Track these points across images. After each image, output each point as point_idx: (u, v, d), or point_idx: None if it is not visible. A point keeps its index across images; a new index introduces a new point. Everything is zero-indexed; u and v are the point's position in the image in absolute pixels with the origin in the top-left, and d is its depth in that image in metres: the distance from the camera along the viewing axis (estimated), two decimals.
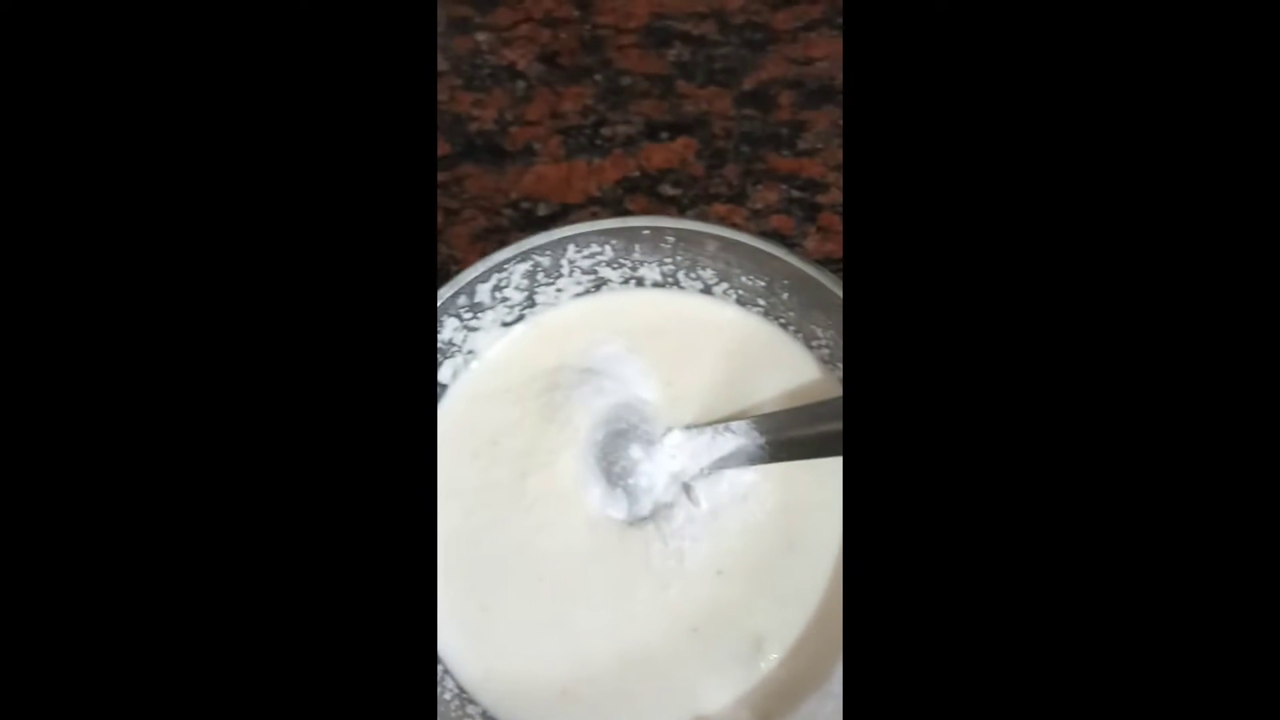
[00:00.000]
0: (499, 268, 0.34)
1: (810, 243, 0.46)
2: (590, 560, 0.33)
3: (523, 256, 0.34)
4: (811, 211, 0.46)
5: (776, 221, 0.46)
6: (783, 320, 0.36)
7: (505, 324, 0.37)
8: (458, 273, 0.34)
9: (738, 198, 0.47)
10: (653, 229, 0.34)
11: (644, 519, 0.33)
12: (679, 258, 0.36)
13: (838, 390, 0.35)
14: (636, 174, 0.48)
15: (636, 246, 0.35)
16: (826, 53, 0.52)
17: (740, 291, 0.36)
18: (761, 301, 0.36)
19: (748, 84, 0.51)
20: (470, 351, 0.36)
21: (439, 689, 0.30)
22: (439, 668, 0.31)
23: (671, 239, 0.35)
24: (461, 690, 0.31)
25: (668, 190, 0.47)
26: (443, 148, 0.49)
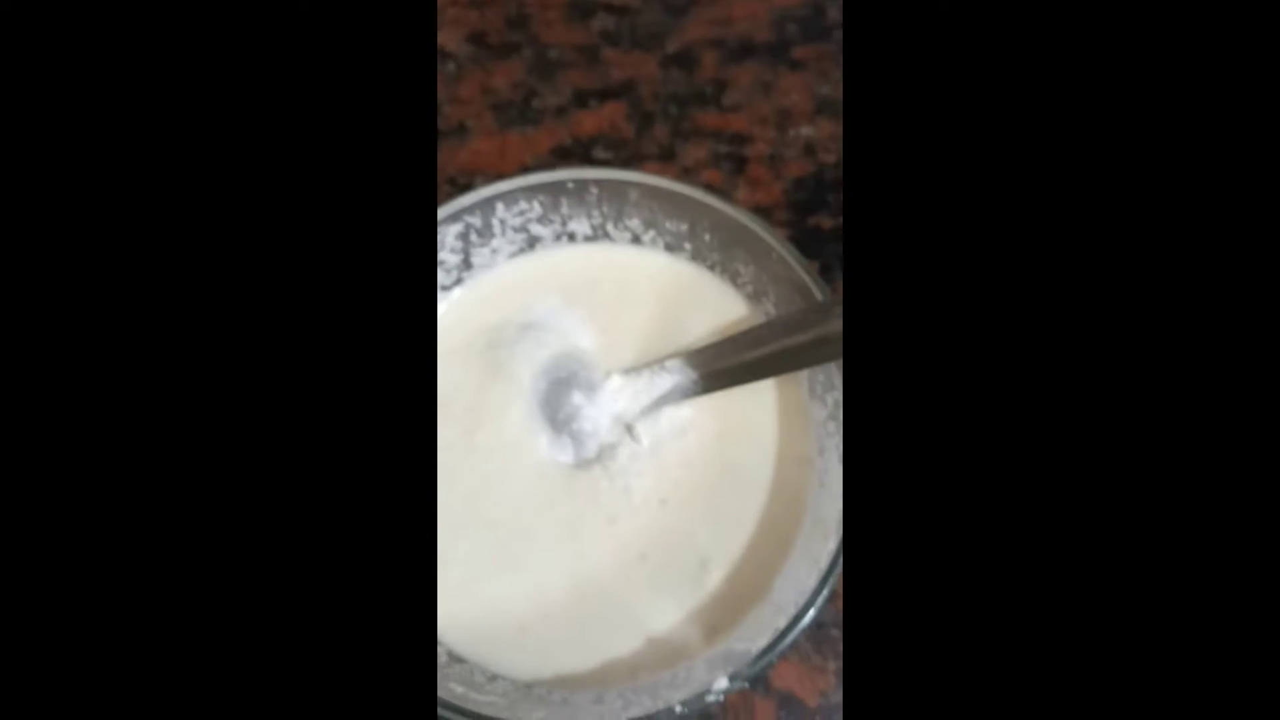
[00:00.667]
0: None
1: (740, 194, 0.47)
2: (540, 504, 0.34)
3: (453, 218, 0.36)
4: (740, 164, 0.48)
5: (707, 176, 0.48)
6: (709, 262, 0.38)
7: (444, 287, 0.38)
8: None
9: (667, 156, 0.48)
10: (576, 181, 0.36)
11: (590, 461, 0.35)
12: (605, 209, 0.37)
13: (760, 319, 0.37)
14: (569, 141, 0.49)
15: (564, 200, 0.37)
16: (746, 12, 0.53)
17: (667, 238, 0.38)
18: (688, 245, 0.38)
19: (671, 47, 0.52)
20: None
21: None
22: None
23: (596, 190, 0.36)
24: None
25: (600, 154, 0.49)
26: None
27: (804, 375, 0.35)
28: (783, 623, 0.28)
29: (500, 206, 0.36)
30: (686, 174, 0.48)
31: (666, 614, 0.32)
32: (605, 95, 0.50)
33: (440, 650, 0.32)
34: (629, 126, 0.49)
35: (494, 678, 0.31)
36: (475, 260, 0.38)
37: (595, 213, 0.38)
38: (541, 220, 0.38)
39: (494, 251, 0.38)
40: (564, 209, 0.37)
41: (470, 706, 0.28)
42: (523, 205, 0.37)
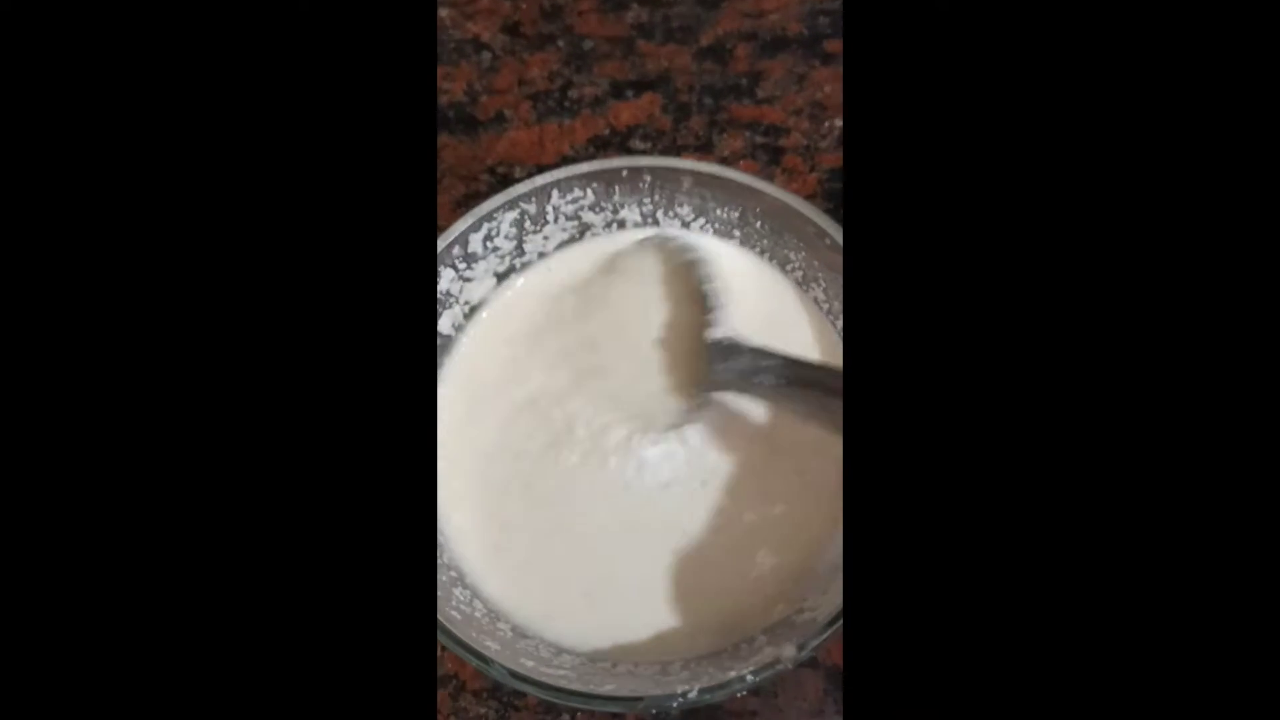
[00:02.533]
0: (489, 217, 0.36)
1: (777, 184, 0.48)
2: (604, 487, 0.35)
3: (510, 205, 0.36)
4: (775, 155, 0.49)
5: (744, 166, 0.49)
6: (758, 249, 0.39)
7: (498, 274, 0.39)
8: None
9: (705, 147, 0.49)
10: (630, 168, 0.37)
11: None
12: (657, 196, 0.38)
13: (810, 306, 0.37)
14: (606, 132, 0.50)
15: (616, 188, 0.38)
16: (777, 5, 0.54)
17: (716, 224, 0.39)
18: (737, 232, 0.39)
19: (705, 40, 0.53)
20: (467, 302, 0.38)
21: (470, 609, 0.32)
22: (466, 589, 0.33)
23: (649, 177, 0.37)
24: (490, 609, 0.33)
25: (638, 145, 0.49)
26: None
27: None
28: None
29: (555, 194, 0.37)
30: (724, 164, 0.48)
31: (724, 586, 0.33)
32: (641, 87, 0.51)
33: (505, 625, 0.33)
34: (665, 118, 0.50)
35: (559, 652, 0.32)
36: (528, 246, 0.39)
37: (647, 200, 0.38)
38: (594, 207, 0.38)
39: (545, 239, 0.39)
40: (616, 196, 0.38)
41: (542, 679, 0.29)
42: (577, 192, 0.37)
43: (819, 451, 0.35)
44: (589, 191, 0.37)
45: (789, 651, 0.29)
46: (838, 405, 0.30)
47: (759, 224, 0.37)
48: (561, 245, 0.40)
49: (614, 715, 0.36)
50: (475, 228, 0.36)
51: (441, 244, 0.35)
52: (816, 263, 0.36)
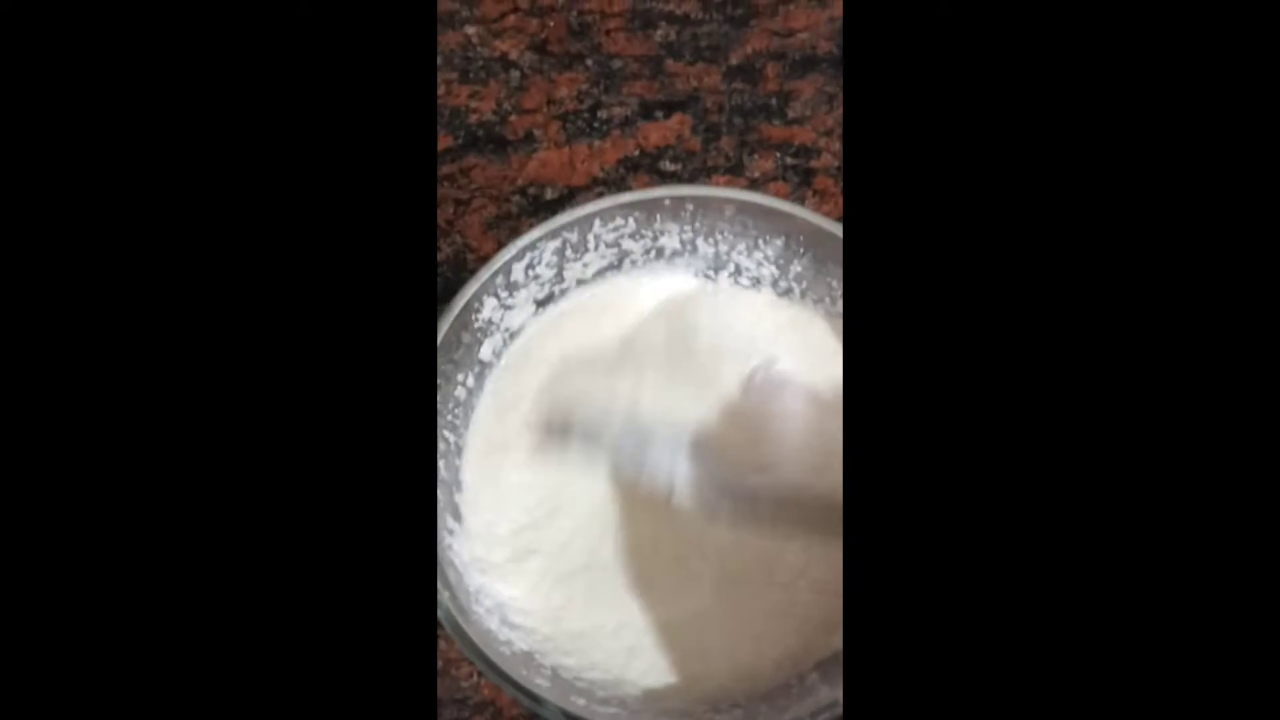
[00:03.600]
0: (532, 246, 0.36)
1: (808, 205, 0.48)
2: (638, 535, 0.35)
3: (552, 235, 0.36)
4: (806, 176, 0.49)
5: (774, 189, 0.48)
6: (802, 286, 0.39)
7: (537, 301, 0.38)
8: (474, 261, 0.36)
9: (735, 168, 0.49)
10: (673, 198, 0.36)
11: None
12: (697, 224, 0.38)
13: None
14: (636, 153, 0.50)
15: (658, 216, 0.37)
16: (806, 24, 0.54)
17: (758, 254, 0.39)
18: (780, 262, 0.38)
19: (734, 58, 0.53)
20: (507, 329, 0.38)
21: (512, 645, 0.32)
22: (508, 626, 0.33)
23: (690, 206, 0.37)
24: (531, 648, 0.33)
25: (667, 166, 0.49)
26: (446, 140, 0.50)
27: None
28: None
29: (597, 222, 0.37)
30: (754, 185, 0.48)
31: (769, 622, 0.33)
32: (670, 107, 0.51)
33: (548, 663, 0.33)
34: (695, 139, 0.50)
35: (610, 689, 0.32)
36: (567, 273, 0.39)
37: (687, 228, 0.38)
38: (634, 235, 0.38)
39: (585, 265, 0.39)
40: (657, 224, 0.38)
41: (595, 718, 0.29)
42: (619, 221, 0.37)
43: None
44: (630, 220, 0.37)
45: (839, 692, 0.29)
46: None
47: (800, 250, 0.37)
48: (601, 272, 0.39)
49: None
50: (519, 257, 0.36)
51: (485, 273, 0.35)
52: None
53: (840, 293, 0.37)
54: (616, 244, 0.38)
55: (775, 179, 0.49)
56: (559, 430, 0.35)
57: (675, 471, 0.34)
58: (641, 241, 0.39)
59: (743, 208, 0.36)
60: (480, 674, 0.38)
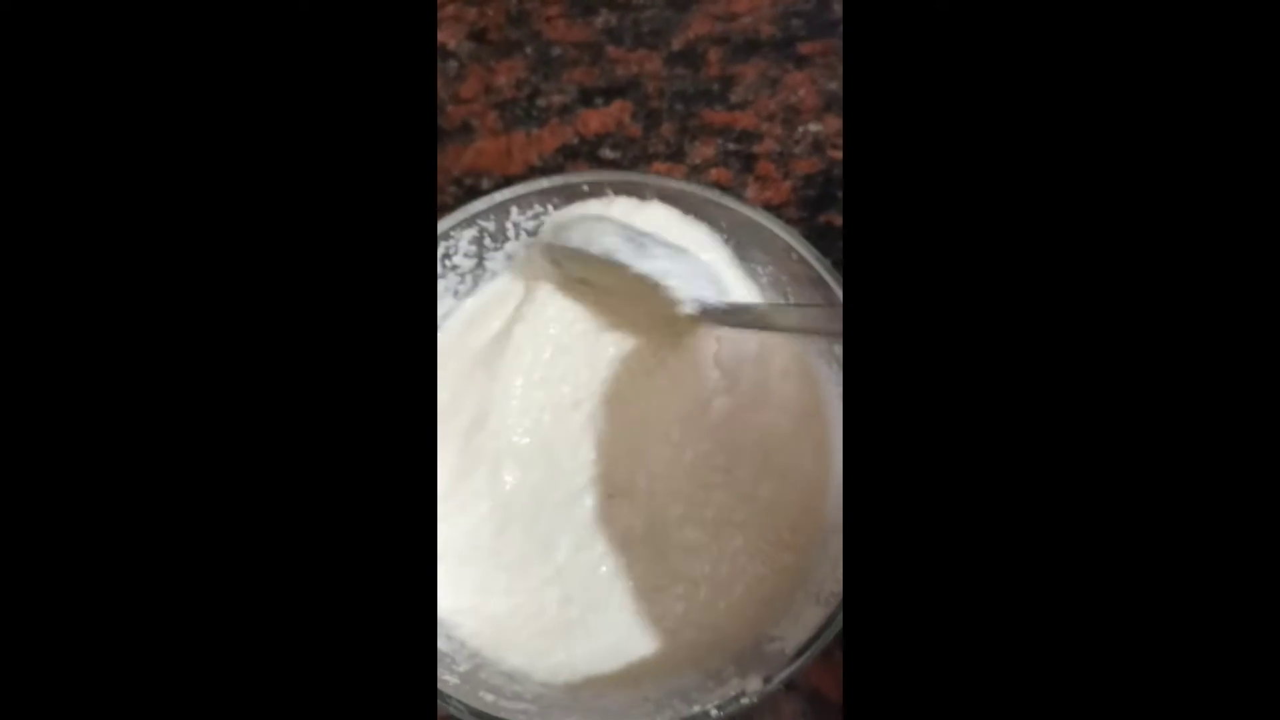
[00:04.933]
0: (445, 235, 0.35)
1: (750, 192, 0.47)
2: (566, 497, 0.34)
3: (468, 223, 0.35)
4: (749, 162, 0.48)
5: (716, 174, 0.48)
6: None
7: (456, 294, 0.38)
8: None
9: (676, 155, 0.48)
10: (591, 183, 0.36)
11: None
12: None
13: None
14: (575, 140, 0.49)
15: (578, 203, 0.37)
16: (749, 7, 0.53)
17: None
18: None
19: (676, 44, 0.52)
20: None
21: None
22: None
23: (611, 192, 0.36)
24: (449, 634, 0.32)
25: (607, 154, 0.48)
26: None
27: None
28: (818, 620, 0.28)
29: (514, 210, 0.36)
30: (695, 172, 0.48)
31: (692, 610, 0.32)
32: (610, 93, 0.50)
33: (464, 655, 0.32)
34: (635, 125, 0.49)
35: (516, 683, 0.31)
36: (488, 264, 0.38)
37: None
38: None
39: (508, 256, 0.38)
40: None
41: (501, 715, 0.28)
42: (537, 209, 0.36)
43: (782, 474, 0.34)
44: (549, 207, 0.36)
45: (754, 685, 0.28)
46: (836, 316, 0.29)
47: (724, 237, 0.36)
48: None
49: None
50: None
51: None
52: (784, 275, 0.35)
53: (767, 275, 0.36)
54: (538, 232, 0.38)
55: (717, 165, 0.48)
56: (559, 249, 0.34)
57: (670, 270, 0.33)
58: None
59: (663, 193, 0.36)
60: None
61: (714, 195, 0.35)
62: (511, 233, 0.37)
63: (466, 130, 0.49)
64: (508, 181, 0.48)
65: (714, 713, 0.27)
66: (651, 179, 0.36)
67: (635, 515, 0.33)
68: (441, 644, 0.31)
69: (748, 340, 0.34)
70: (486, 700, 0.29)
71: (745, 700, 0.28)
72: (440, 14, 0.54)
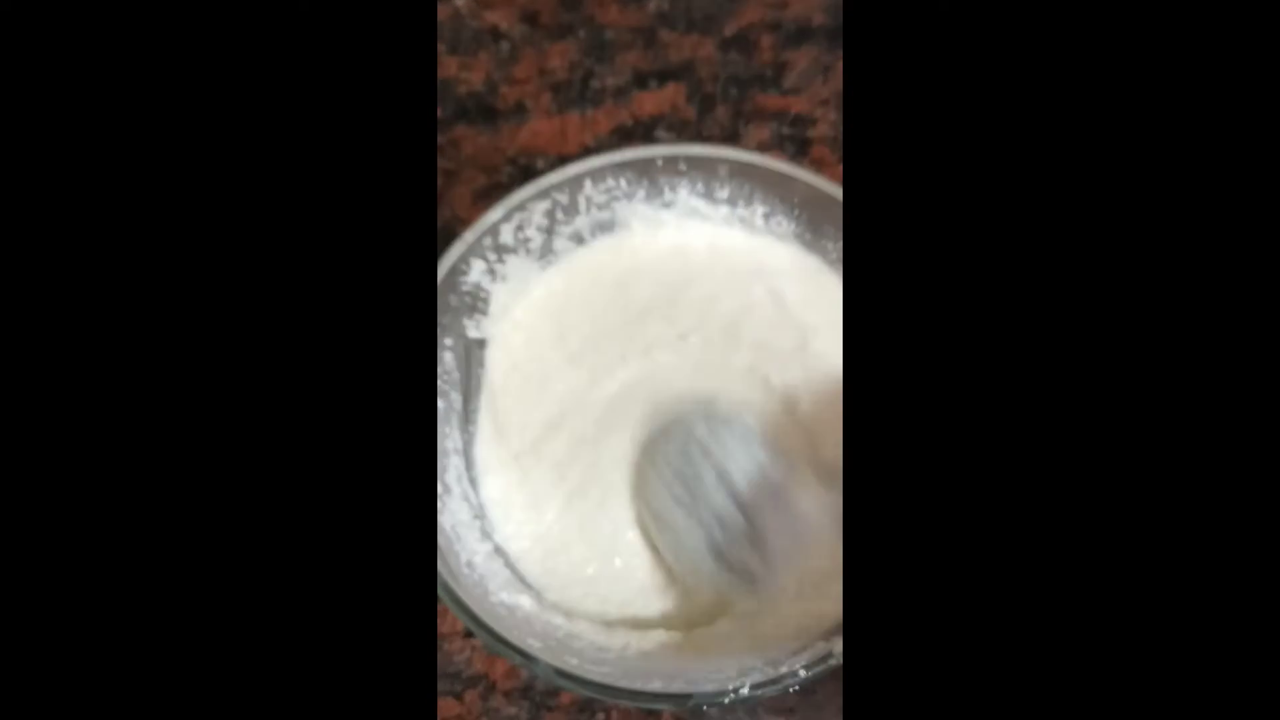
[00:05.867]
0: (520, 206, 0.35)
1: None
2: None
3: (541, 195, 0.36)
4: (803, 146, 0.48)
5: (771, 158, 0.48)
6: (803, 240, 0.38)
7: (531, 264, 0.38)
8: (463, 233, 0.35)
9: (731, 138, 0.48)
10: (666, 158, 0.36)
11: None
12: (697, 185, 0.37)
13: None
14: (630, 123, 0.49)
15: (649, 177, 0.37)
16: None
17: (755, 214, 0.38)
18: (780, 220, 0.38)
19: (729, 30, 0.52)
20: (499, 293, 0.37)
21: (513, 605, 0.31)
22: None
23: (685, 166, 0.36)
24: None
25: (662, 135, 0.49)
26: None
27: None
28: None
29: (589, 183, 0.36)
30: None
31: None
32: (664, 76, 0.50)
33: (552, 619, 0.32)
34: (690, 108, 0.49)
35: (604, 649, 0.31)
36: (558, 236, 0.38)
37: (683, 188, 0.38)
38: (627, 196, 0.38)
39: (576, 230, 0.38)
40: (649, 185, 0.37)
41: (588, 676, 0.28)
42: (610, 182, 0.37)
43: None
44: (622, 181, 0.37)
45: (840, 646, 0.28)
46: None
47: (797, 212, 0.37)
48: (595, 234, 0.39)
49: (649, 712, 0.36)
50: (506, 218, 0.35)
51: (472, 236, 0.34)
52: None
53: (838, 251, 0.37)
54: (609, 206, 0.38)
55: (772, 148, 0.48)
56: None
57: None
58: (634, 203, 0.38)
59: (737, 169, 0.36)
60: (473, 648, 0.37)
61: (786, 168, 0.35)
62: (583, 206, 0.37)
63: (520, 111, 0.50)
64: (562, 161, 0.49)
65: (801, 673, 0.28)
66: (727, 152, 0.36)
67: None
68: (522, 611, 0.32)
69: None
70: (571, 664, 0.29)
71: (833, 661, 0.28)
72: None
